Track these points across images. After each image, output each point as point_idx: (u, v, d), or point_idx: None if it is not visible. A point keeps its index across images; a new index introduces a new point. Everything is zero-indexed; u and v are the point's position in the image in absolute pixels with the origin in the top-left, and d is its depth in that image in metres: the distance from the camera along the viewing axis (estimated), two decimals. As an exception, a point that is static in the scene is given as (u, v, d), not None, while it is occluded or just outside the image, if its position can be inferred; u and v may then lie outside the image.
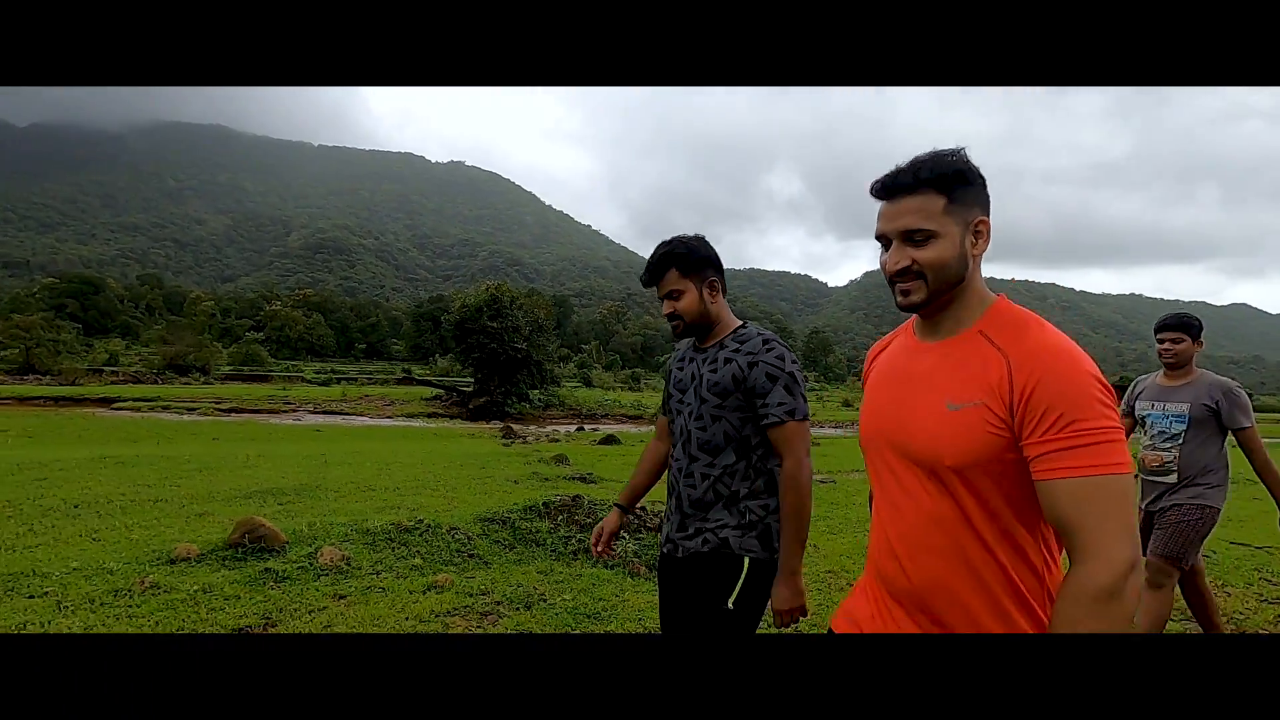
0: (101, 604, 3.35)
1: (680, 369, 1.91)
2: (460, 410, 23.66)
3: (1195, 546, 3.02)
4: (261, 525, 4.18)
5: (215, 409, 18.57)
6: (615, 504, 2.12)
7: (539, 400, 24.67)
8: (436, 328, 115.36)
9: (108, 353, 66.72)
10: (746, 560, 1.73)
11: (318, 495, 6.14)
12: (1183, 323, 3.12)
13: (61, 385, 29.41)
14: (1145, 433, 3.20)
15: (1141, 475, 3.18)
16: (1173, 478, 3.08)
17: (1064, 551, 1.04)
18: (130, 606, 3.35)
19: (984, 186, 1.11)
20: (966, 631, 1.07)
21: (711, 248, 1.87)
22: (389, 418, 19.80)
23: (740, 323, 1.88)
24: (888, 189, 1.10)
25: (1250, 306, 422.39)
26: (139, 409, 17.66)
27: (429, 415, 21.47)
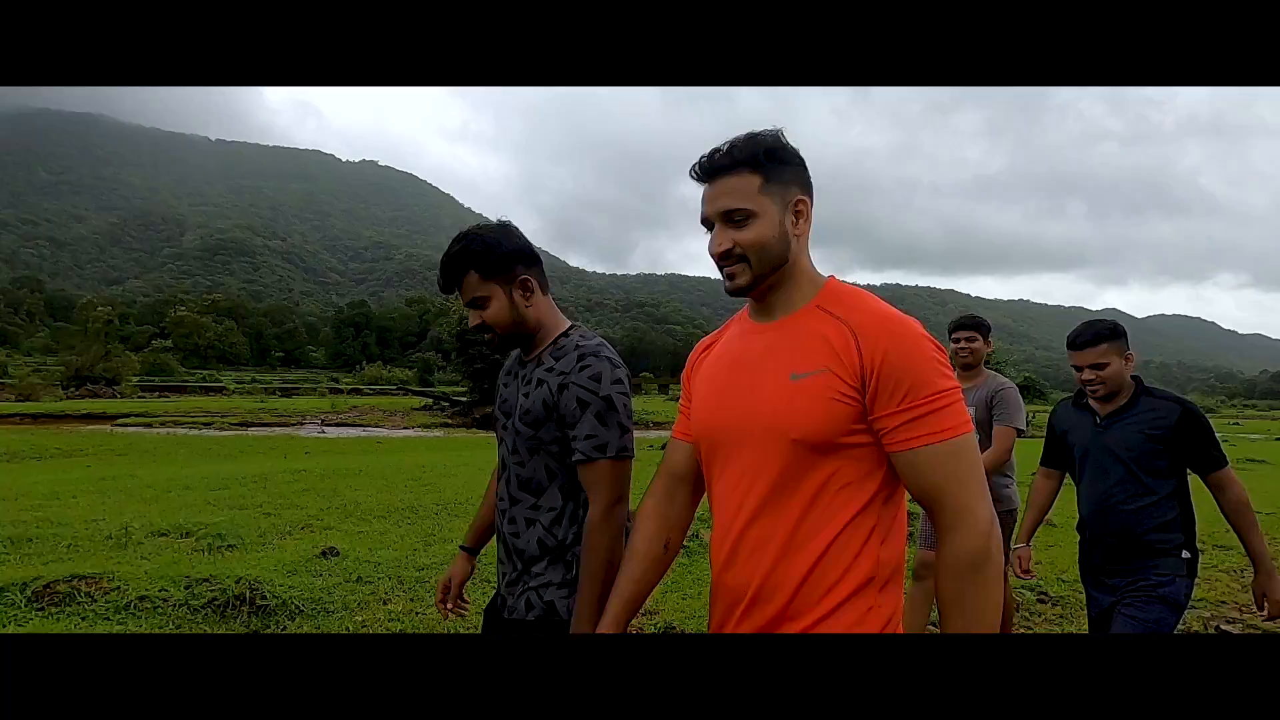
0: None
1: (505, 385, 1.57)
2: (464, 420, 23.91)
3: (1004, 548, 3.54)
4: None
5: (229, 423, 17.99)
6: (461, 546, 1.76)
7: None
8: (359, 334, 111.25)
9: (-4, 363, 60.91)
10: None
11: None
12: (976, 322, 3.10)
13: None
14: None
15: None
16: None
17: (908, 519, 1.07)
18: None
19: (803, 167, 1.11)
20: (804, 628, 1.03)
21: (520, 237, 1.51)
22: (408, 429, 19.77)
23: (565, 328, 1.52)
24: (705, 170, 1.10)
25: (1120, 311, 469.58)
26: (150, 424, 16.87)
27: (443, 426, 21.57)
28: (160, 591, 3.26)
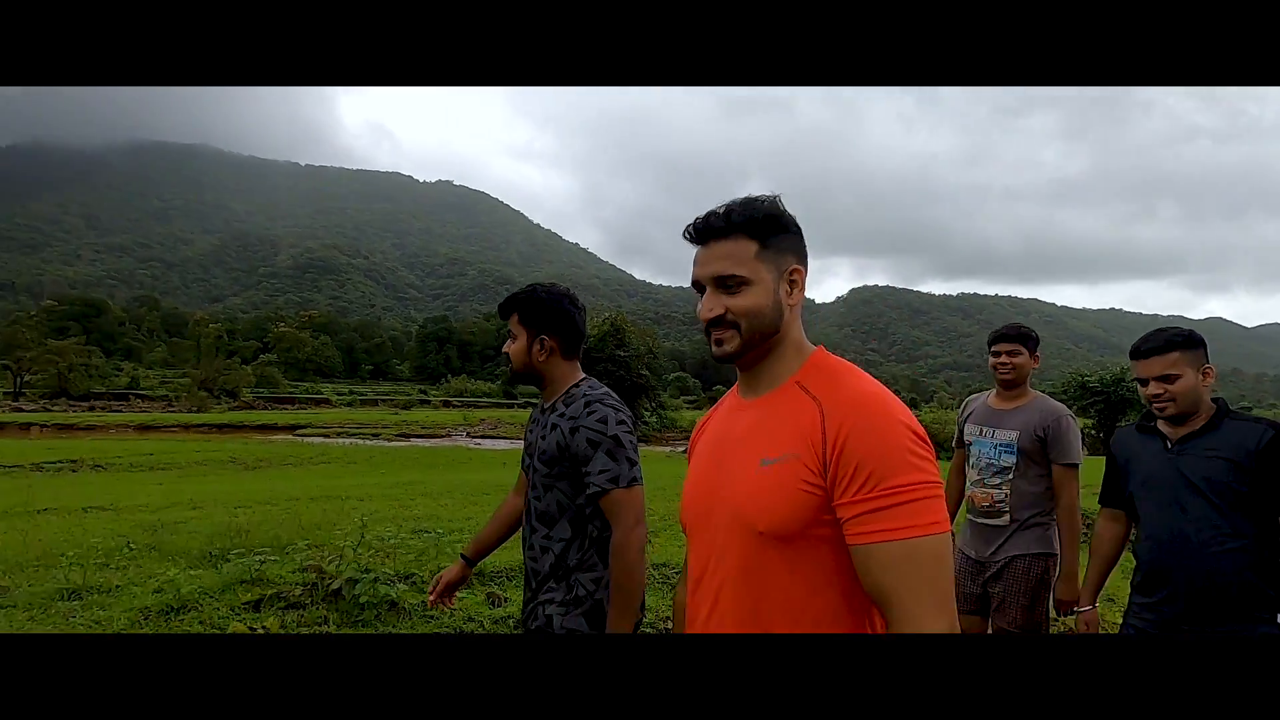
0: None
1: (530, 430, 1.83)
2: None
3: (1047, 599, 2.61)
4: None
5: (393, 435, 19.84)
6: (461, 555, 2.03)
7: (654, 424, 26.24)
8: (441, 348, 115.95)
9: (130, 376, 66.66)
10: None
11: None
12: (1021, 334, 2.71)
13: (162, 412, 30.10)
14: (971, 464, 2.72)
15: (970, 517, 2.74)
16: (1005, 519, 2.60)
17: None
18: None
19: (799, 235, 1.09)
20: None
21: (573, 305, 1.78)
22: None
23: (577, 380, 1.76)
24: (700, 233, 1.08)
25: (1226, 320, 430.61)
26: (327, 435, 18.92)
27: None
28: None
